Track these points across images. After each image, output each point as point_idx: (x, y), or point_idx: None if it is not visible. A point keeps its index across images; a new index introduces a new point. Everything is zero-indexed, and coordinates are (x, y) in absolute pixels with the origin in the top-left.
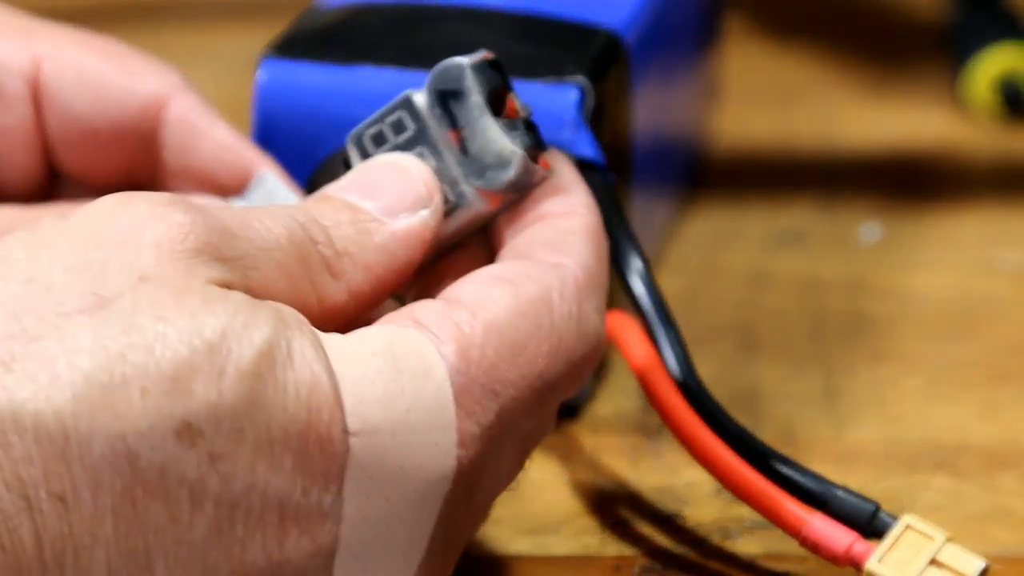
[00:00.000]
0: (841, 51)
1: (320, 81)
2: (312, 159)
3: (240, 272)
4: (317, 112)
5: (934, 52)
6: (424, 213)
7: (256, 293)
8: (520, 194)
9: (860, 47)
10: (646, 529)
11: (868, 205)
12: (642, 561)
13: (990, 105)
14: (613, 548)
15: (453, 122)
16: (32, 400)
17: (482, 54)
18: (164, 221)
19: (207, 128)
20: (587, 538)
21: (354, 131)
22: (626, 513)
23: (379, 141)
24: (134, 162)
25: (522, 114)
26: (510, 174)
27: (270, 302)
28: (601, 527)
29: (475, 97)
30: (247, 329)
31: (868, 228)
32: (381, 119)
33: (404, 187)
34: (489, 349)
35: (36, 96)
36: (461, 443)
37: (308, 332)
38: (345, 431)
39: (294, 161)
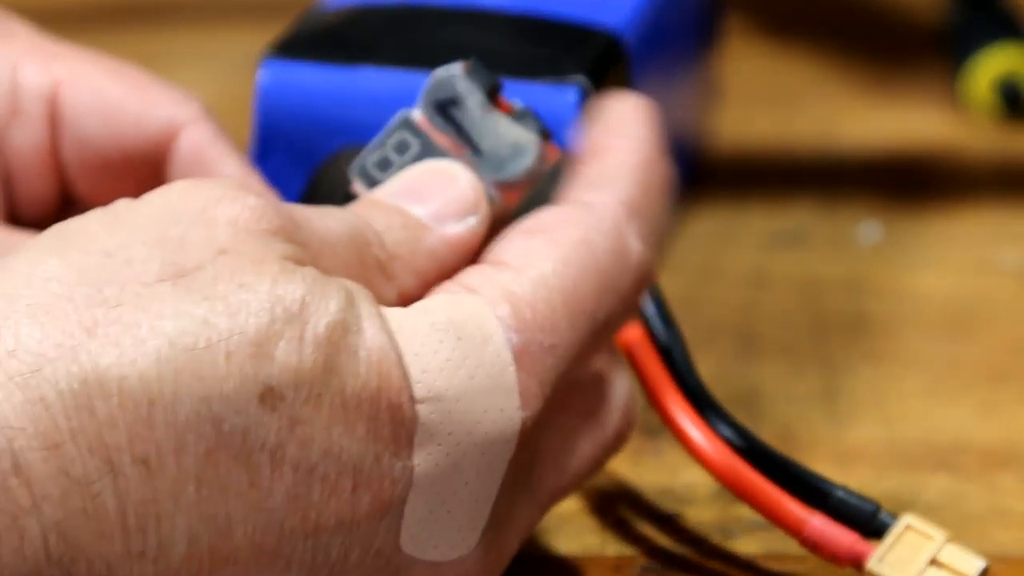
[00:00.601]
0: (841, 51)
1: (321, 82)
2: (313, 159)
3: (309, 258)
4: (318, 113)
5: (934, 52)
6: (472, 220)
7: None
8: (535, 183)
9: (860, 47)
10: (646, 529)
11: (868, 205)
12: (642, 561)
13: (990, 105)
14: (613, 548)
15: (456, 128)
16: (116, 365)
17: (464, 62)
18: (239, 202)
19: (215, 161)
20: (588, 538)
21: (356, 162)
22: (627, 513)
23: (385, 166)
24: (143, 189)
25: (517, 107)
26: (529, 160)
27: (337, 278)
28: (602, 527)
29: (477, 97)
30: (323, 298)
31: (868, 228)
32: (382, 144)
33: (452, 194)
34: (540, 304)
35: (53, 118)
36: (524, 404)
37: (374, 305)
38: (412, 399)
39: (295, 162)
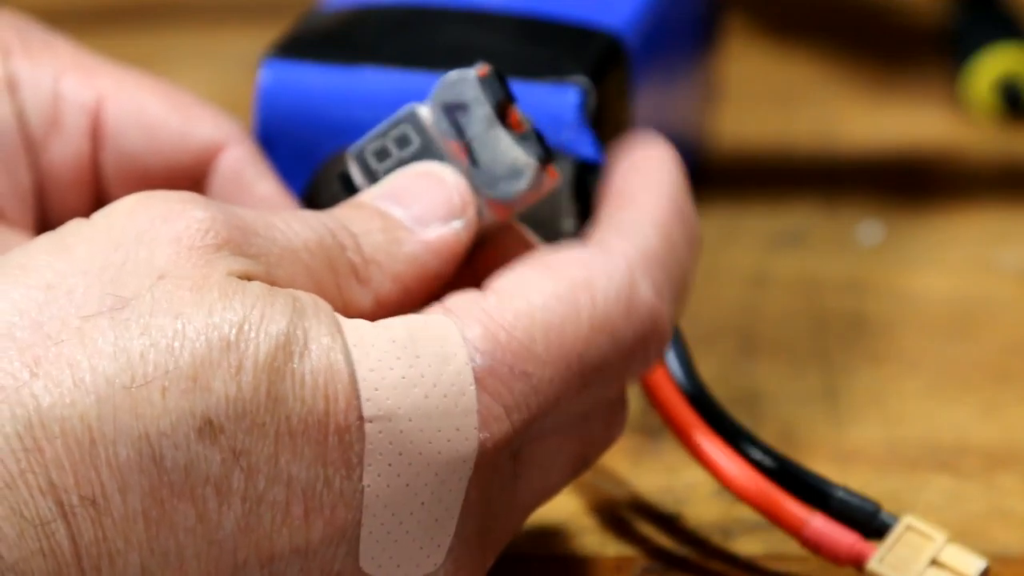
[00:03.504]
0: (841, 51)
1: (322, 82)
2: (313, 160)
3: (263, 267)
4: (319, 113)
5: (934, 53)
6: (457, 224)
7: (279, 287)
8: (527, 205)
9: (860, 47)
10: (647, 529)
11: (868, 205)
12: (643, 561)
13: (990, 106)
14: (614, 548)
15: (460, 134)
16: (58, 405)
17: (482, 66)
18: (183, 218)
19: (252, 181)
20: (588, 538)
21: (355, 146)
22: (627, 513)
23: (382, 156)
24: None
25: (526, 126)
26: (523, 184)
27: (288, 290)
28: (602, 527)
29: (484, 109)
30: (264, 321)
31: (868, 228)
32: (384, 134)
33: (438, 197)
34: (519, 331)
35: (95, 133)
36: (484, 425)
37: (326, 319)
38: (361, 418)
39: (295, 162)
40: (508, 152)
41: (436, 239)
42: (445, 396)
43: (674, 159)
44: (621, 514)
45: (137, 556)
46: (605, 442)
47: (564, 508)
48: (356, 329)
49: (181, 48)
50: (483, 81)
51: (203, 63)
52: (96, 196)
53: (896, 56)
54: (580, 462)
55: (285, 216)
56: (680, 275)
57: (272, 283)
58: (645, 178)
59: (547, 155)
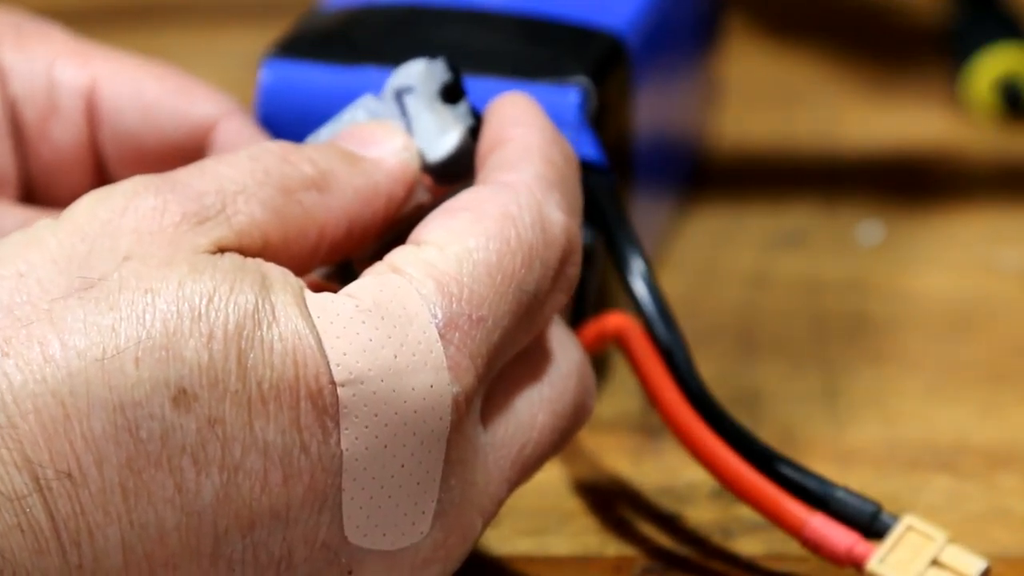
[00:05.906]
0: (841, 51)
1: (322, 82)
2: None
3: (225, 224)
4: (319, 113)
5: (934, 53)
6: (405, 155)
7: (247, 236)
8: (461, 181)
9: (860, 48)
10: (647, 529)
11: (868, 205)
12: (643, 561)
13: (990, 106)
14: (614, 548)
15: (403, 113)
16: (30, 382)
17: (430, 58)
18: (137, 210)
19: None
20: (588, 538)
21: (311, 135)
22: (627, 513)
23: None
24: None
25: (465, 103)
26: (451, 145)
27: (257, 263)
28: (602, 527)
29: (427, 88)
30: (233, 293)
31: (868, 228)
32: (339, 120)
33: (383, 136)
34: (466, 278)
35: (92, 114)
36: (456, 379)
37: (292, 291)
38: (333, 383)
39: None
40: (442, 122)
41: (387, 163)
42: (414, 355)
43: (527, 96)
44: (621, 514)
45: (116, 529)
46: (577, 406)
47: (565, 508)
48: (319, 300)
49: (181, 47)
50: (429, 65)
51: (204, 62)
52: (99, 175)
53: (896, 56)
54: (554, 430)
55: (228, 158)
56: (571, 191)
57: (240, 235)
58: (510, 118)
59: (477, 122)
